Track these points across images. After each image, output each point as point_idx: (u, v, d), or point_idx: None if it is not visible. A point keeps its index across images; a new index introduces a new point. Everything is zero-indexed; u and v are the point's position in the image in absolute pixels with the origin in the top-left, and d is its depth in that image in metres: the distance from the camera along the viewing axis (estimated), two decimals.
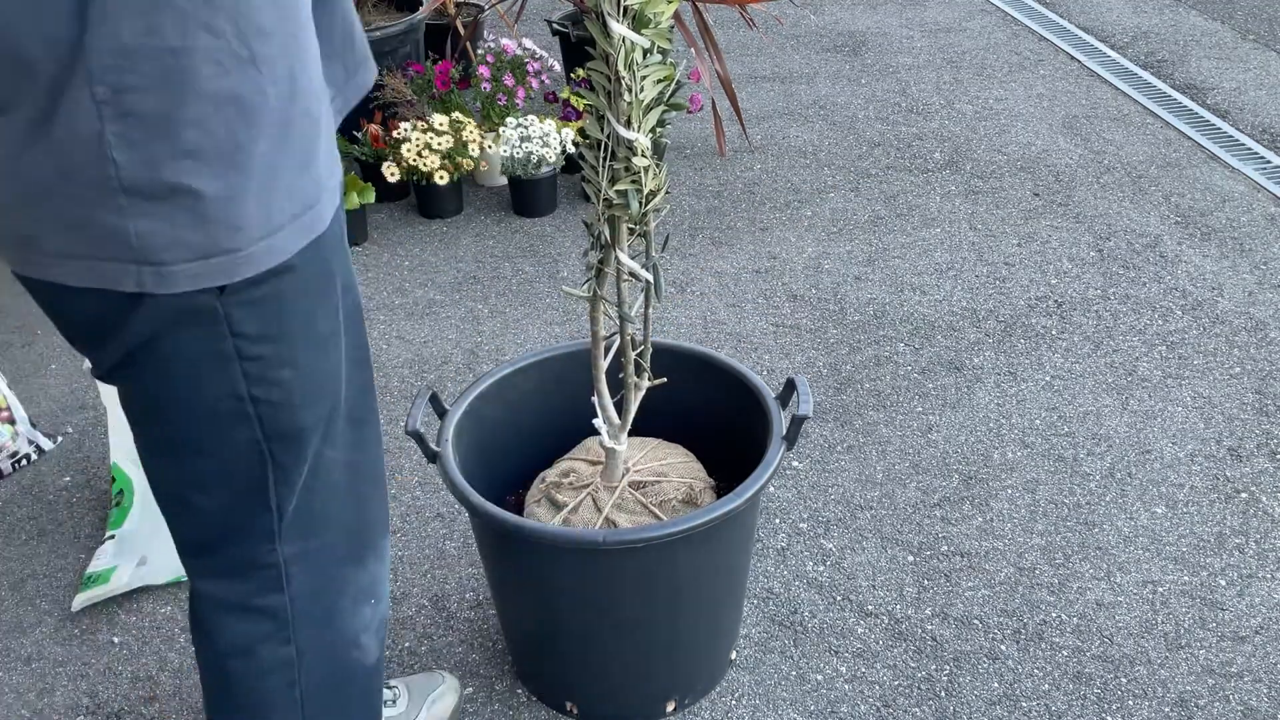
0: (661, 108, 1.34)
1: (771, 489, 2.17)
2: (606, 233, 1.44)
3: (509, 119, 3.11)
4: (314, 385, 1.13)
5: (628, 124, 1.32)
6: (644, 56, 1.29)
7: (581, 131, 3.14)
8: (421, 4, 3.67)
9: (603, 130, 1.35)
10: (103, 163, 0.93)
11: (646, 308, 1.57)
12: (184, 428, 1.11)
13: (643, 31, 1.27)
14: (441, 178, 3.08)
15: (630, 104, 1.31)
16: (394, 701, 1.65)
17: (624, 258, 1.45)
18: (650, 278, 1.49)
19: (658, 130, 1.36)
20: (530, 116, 3.12)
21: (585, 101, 1.36)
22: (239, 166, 0.97)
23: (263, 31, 0.96)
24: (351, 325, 1.19)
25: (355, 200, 2.99)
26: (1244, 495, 2.13)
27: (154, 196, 0.95)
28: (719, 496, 1.68)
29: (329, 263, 1.12)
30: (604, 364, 1.59)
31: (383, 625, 1.36)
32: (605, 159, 1.37)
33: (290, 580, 1.22)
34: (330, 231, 1.10)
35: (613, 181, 1.38)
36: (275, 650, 1.24)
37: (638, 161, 1.35)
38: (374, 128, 3.19)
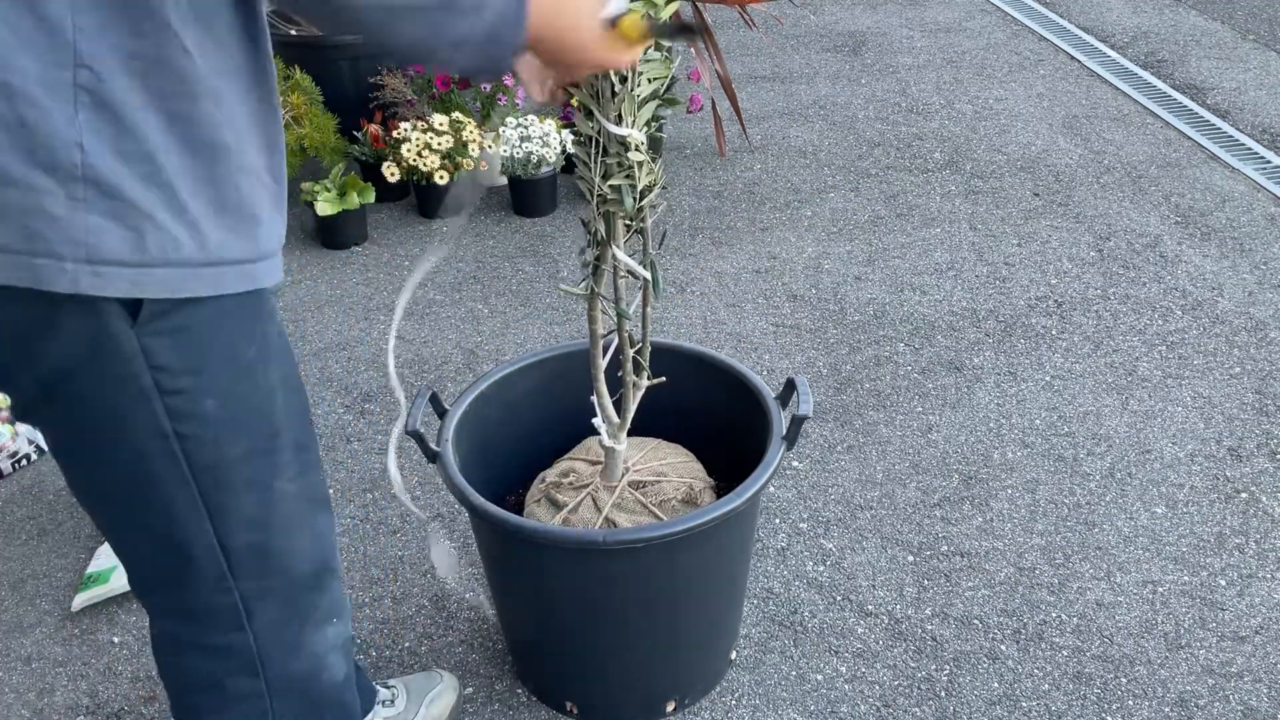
0: (655, 103, 1.34)
1: (771, 489, 2.16)
2: (602, 228, 1.44)
3: (509, 119, 3.11)
4: (241, 415, 1.09)
5: (618, 120, 1.32)
6: (645, 52, 1.29)
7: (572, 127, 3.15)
8: None
9: (592, 126, 1.35)
10: (69, 149, 0.91)
11: (645, 305, 1.56)
12: (109, 469, 1.08)
13: None
14: (441, 177, 3.08)
15: (620, 100, 1.31)
16: (392, 701, 1.65)
17: (620, 254, 1.45)
18: (648, 275, 1.49)
19: (652, 125, 1.36)
20: (530, 116, 3.12)
21: (575, 98, 1.35)
22: (201, 180, 0.96)
23: (228, 72, 0.97)
24: (281, 352, 1.15)
25: (355, 200, 2.99)
26: (1244, 495, 2.13)
27: (112, 193, 0.93)
28: (719, 496, 1.68)
29: (256, 299, 1.09)
30: (603, 362, 1.58)
31: (349, 641, 1.35)
32: (597, 155, 1.37)
33: (252, 617, 1.19)
34: (264, 291, 1.09)
35: (606, 177, 1.38)
36: (242, 683, 1.22)
37: (632, 156, 1.35)
38: (374, 128, 3.19)
